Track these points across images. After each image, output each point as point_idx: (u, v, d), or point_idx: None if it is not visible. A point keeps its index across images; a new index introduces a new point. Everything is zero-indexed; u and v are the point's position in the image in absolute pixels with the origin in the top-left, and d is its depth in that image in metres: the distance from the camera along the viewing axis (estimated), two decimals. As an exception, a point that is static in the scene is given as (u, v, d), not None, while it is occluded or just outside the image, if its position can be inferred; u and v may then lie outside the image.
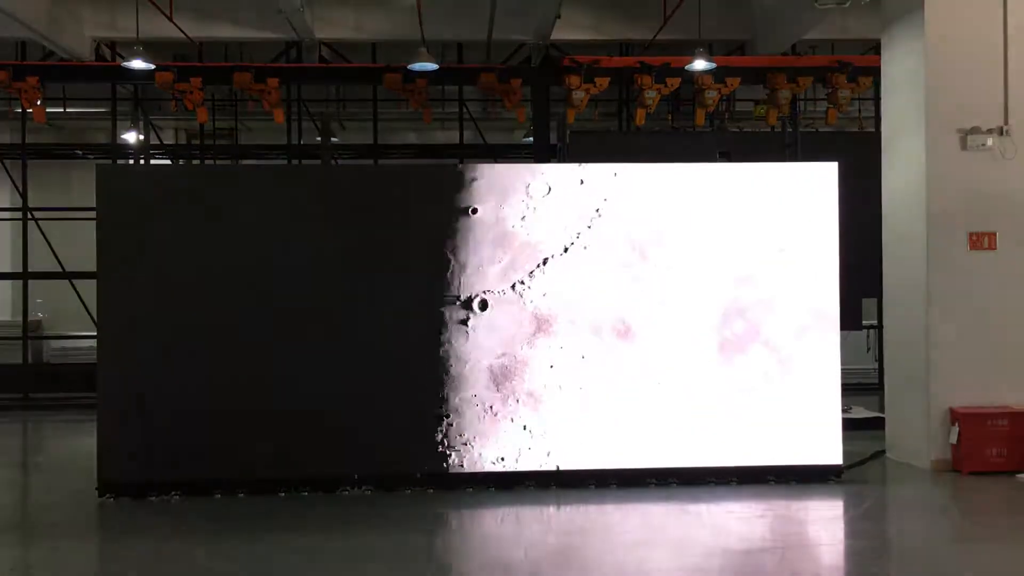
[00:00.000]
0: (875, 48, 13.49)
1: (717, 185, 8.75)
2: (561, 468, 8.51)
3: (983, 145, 9.38)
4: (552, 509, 7.95)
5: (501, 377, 8.61)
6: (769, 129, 16.28)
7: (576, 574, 6.26)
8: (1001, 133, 9.39)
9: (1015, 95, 9.43)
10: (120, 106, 16.64)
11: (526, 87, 15.38)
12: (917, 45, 9.55)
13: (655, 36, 14.64)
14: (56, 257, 16.52)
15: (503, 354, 8.61)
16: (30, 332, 16.75)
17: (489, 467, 8.50)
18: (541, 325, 8.64)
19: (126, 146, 17.76)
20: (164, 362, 8.32)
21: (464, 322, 8.61)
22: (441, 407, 8.52)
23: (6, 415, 14.73)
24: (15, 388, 15.85)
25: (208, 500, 8.12)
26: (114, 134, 16.69)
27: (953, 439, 9.16)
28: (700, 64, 13.39)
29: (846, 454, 8.77)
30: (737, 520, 7.44)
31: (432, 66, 14.11)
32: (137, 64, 13.21)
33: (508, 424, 8.54)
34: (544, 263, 8.66)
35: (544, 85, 15.45)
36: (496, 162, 16.05)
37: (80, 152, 18.76)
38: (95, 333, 8.35)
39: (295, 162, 17.52)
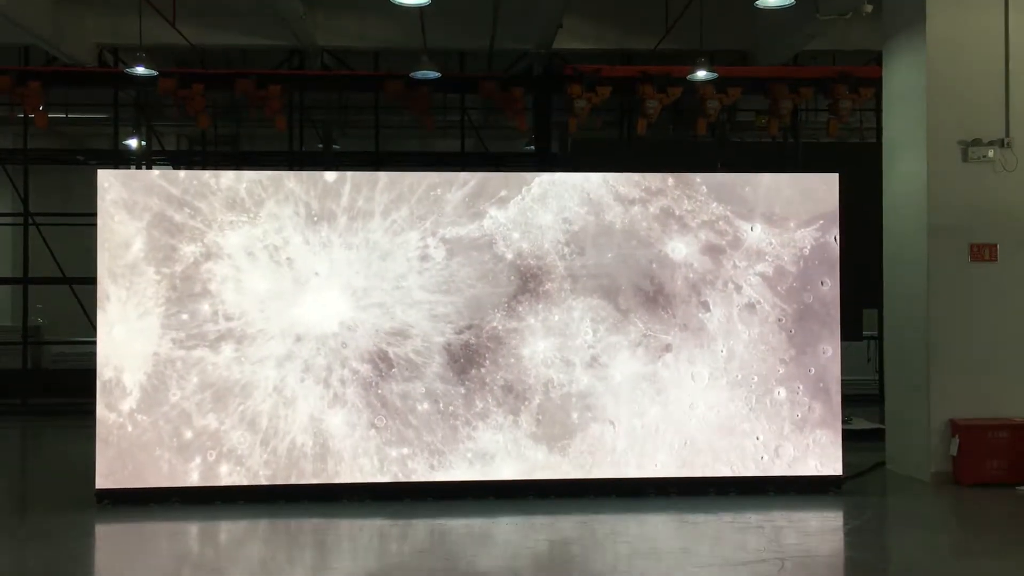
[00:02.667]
0: (876, 59, 13.48)
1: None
2: (559, 477, 8.16)
3: (984, 157, 9.38)
4: (550, 519, 7.92)
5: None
6: (770, 139, 16.31)
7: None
8: (1002, 145, 9.39)
9: (1016, 107, 9.44)
10: (122, 112, 16.66)
11: (528, 96, 15.44)
12: (919, 57, 9.55)
13: (657, 46, 14.65)
14: (56, 262, 16.54)
15: None
16: (30, 337, 16.76)
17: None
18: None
19: (128, 152, 17.80)
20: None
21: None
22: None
23: (5, 420, 14.72)
24: (14, 393, 15.87)
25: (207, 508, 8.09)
26: (116, 140, 16.70)
27: (953, 451, 9.14)
28: (701, 74, 13.42)
29: (846, 465, 8.75)
30: (736, 530, 7.42)
31: (434, 74, 14.16)
32: (140, 70, 13.23)
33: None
34: None
35: (546, 94, 15.53)
36: (498, 170, 16.04)
37: (81, 158, 18.78)
38: (95, 338, 8.12)
39: (296, 169, 17.52)
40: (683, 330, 7.55)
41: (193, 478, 7.43)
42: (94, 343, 8.13)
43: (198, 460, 7.38)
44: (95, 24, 15.12)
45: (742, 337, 7.56)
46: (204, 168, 18.91)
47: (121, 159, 17.53)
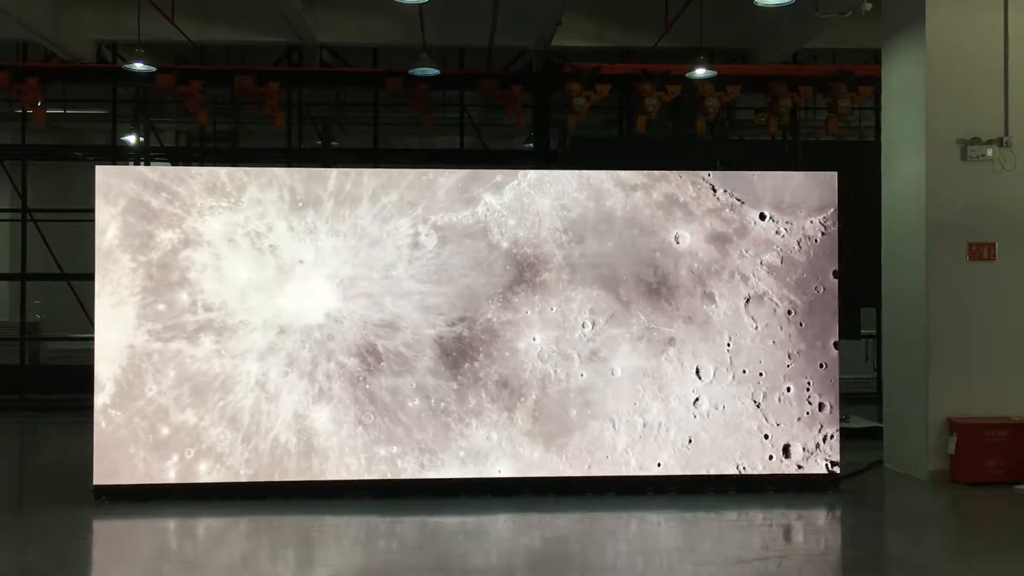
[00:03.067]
0: (876, 57, 13.48)
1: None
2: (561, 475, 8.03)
3: (983, 156, 9.38)
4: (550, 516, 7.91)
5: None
6: (769, 138, 16.31)
7: (573, 582, 6.24)
8: (1001, 144, 9.39)
9: (1015, 106, 9.43)
10: (120, 108, 16.65)
11: (527, 93, 15.44)
12: (918, 55, 9.55)
13: (656, 43, 14.64)
14: (55, 258, 16.55)
15: None
16: (28, 333, 16.76)
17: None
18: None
19: (126, 148, 17.80)
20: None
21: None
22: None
23: (3, 416, 14.71)
24: (12, 389, 15.86)
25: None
26: (114, 136, 16.69)
27: (951, 450, 9.15)
28: (701, 72, 13.42)
29: (844, 464, 8.75)
30: (735, 529, 7.42)
31: (433, 71, 14.15)
32: (138, 66, 13.23)
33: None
34: None
35: (545, 91, 15.53)
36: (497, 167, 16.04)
37: (79, 154, 18.77)
38: (92, 335, 7.95)
39: (295, 165, 17.51)
40: (687, 323, 7.21)
41: (170, 476, 7.09)
42: (92, 339, 7.94)
43: (175, 458, 7.02)
44: (94, 20, 15.11)
45: (749, 330, 7.23)
46: (203, 165, 18.93)
47: (119, 155, 17.50)
